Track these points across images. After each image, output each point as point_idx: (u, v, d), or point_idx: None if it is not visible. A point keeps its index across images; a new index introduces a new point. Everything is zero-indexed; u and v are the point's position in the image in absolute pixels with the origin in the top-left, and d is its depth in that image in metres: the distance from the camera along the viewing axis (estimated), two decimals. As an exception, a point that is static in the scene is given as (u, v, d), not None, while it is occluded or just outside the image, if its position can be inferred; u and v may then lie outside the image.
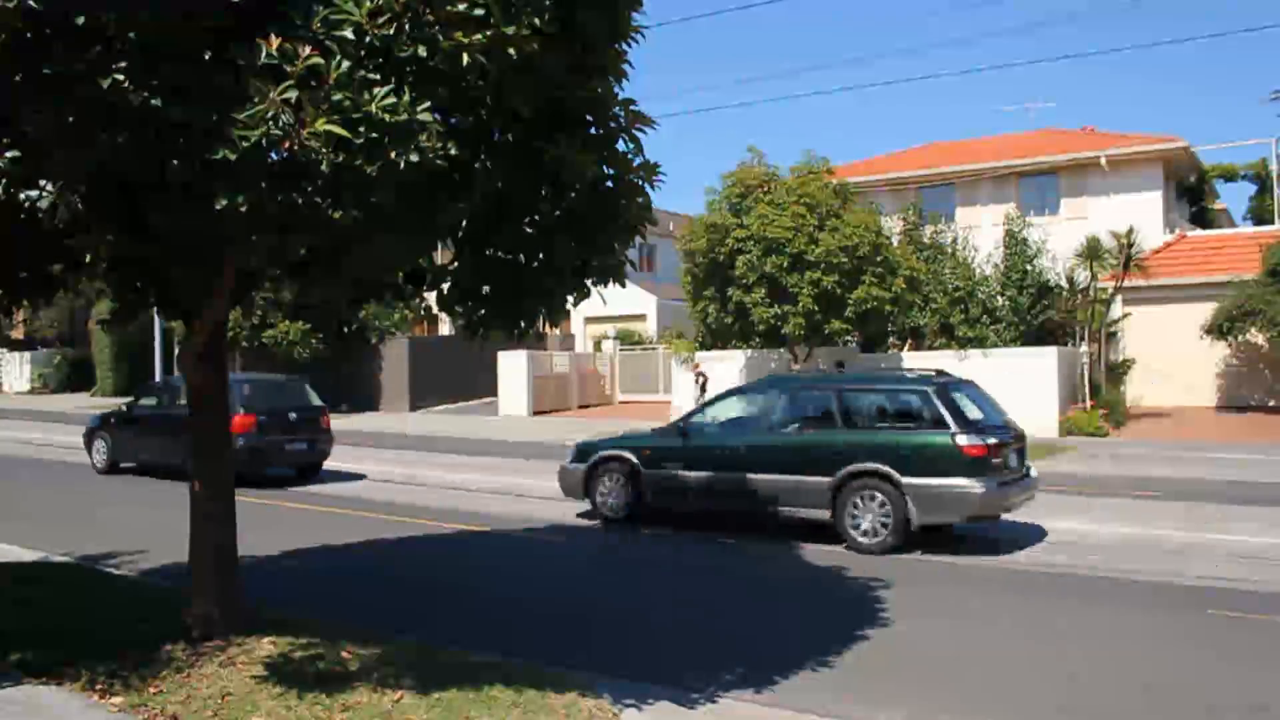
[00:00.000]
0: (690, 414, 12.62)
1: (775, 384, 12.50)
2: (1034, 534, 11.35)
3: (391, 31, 4.32)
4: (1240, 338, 24.37)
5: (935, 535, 10.84)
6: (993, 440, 10.41)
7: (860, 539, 10.44)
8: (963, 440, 10.24)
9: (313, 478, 16.51)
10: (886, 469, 10.35)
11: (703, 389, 27.73)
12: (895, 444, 10.52)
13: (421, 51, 4.37)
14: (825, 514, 10.68)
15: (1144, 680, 6.44)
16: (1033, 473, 11.43)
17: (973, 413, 10.84)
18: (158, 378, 36.58)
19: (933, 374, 11.55)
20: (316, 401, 17.17)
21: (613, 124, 5.78)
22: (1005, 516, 10.95)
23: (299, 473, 16.58)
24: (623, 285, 6.58)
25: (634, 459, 12.04)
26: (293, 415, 16.29)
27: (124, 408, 17.90)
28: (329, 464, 17.19)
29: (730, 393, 12.96)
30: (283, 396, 16.63)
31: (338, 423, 27.58)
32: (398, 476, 17.03)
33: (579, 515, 12.74)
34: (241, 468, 14.70)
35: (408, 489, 15.50)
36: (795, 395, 11.72)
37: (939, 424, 10.43)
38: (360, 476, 16.92)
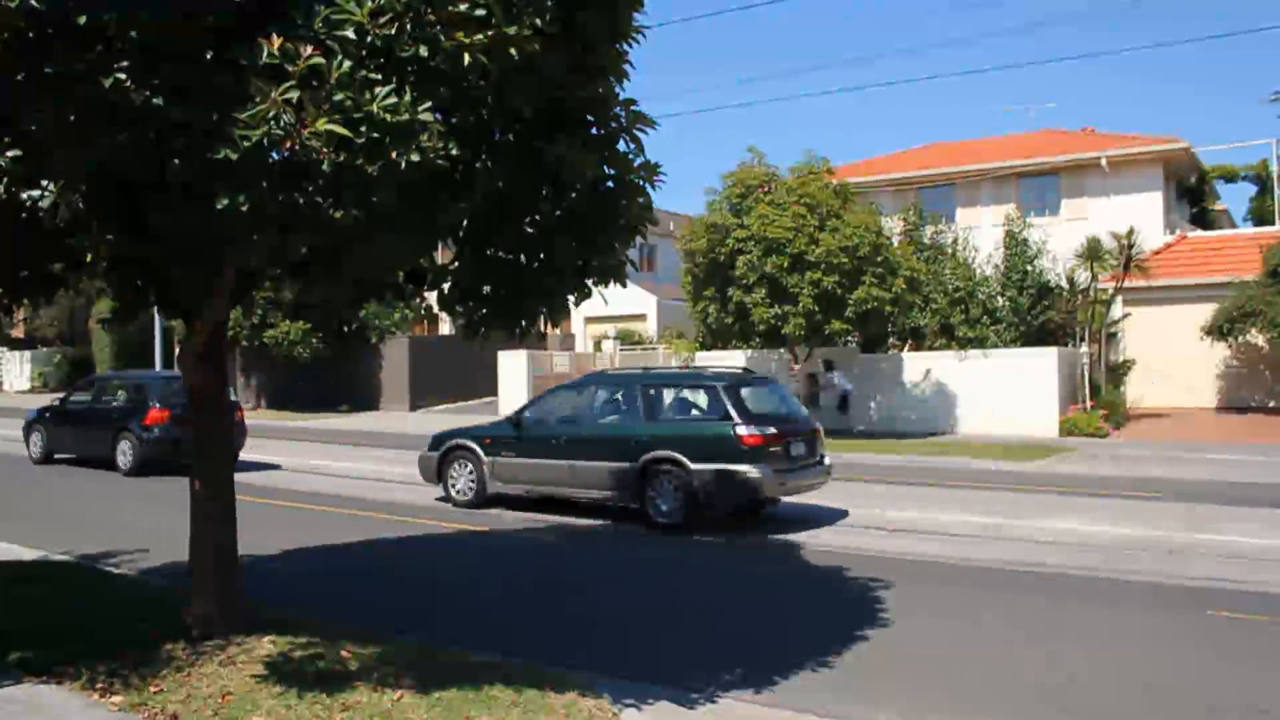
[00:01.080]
0: (524, 407, 13.85)
1: (594, 380, 13.93)
2: (830, 514, 12.65)
3: (393, 31, 4.33)
4: (1240, 339, 24.39)
5: (746, 517, 12.26)
6: (772, 431, 11.59)
7: (659, 519, 11.72)
8: (742, 430, 11.46)
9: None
10: (679, 456, 11.58)
11: None
12: (687, 434, 11.86)
13: (423, 51, 4.37)
14: (626, 497, 12.03)
15: (1144, 680, 6.44)
16: (825, 461, 12.64)
17: (761, 407, 12.05)
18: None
19: (726, 372, 12.81)
20: (232, 397, 17.69)
21: (614, 124, 5.78)
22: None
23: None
24: (623, 285, 6.58)
25: (478, 448, 13.28)
26: None
27: (58, 402, 18.99)
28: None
29: (558, 388, 14.30)
30: None
31: (337, 422, 27.61)
32: (395, 475, 17.03)
33: (436, 499, 13.68)
34: (156, 455, 16.55)
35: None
36: (610, 390, 13.02)
37: (724, 417, 11.66)
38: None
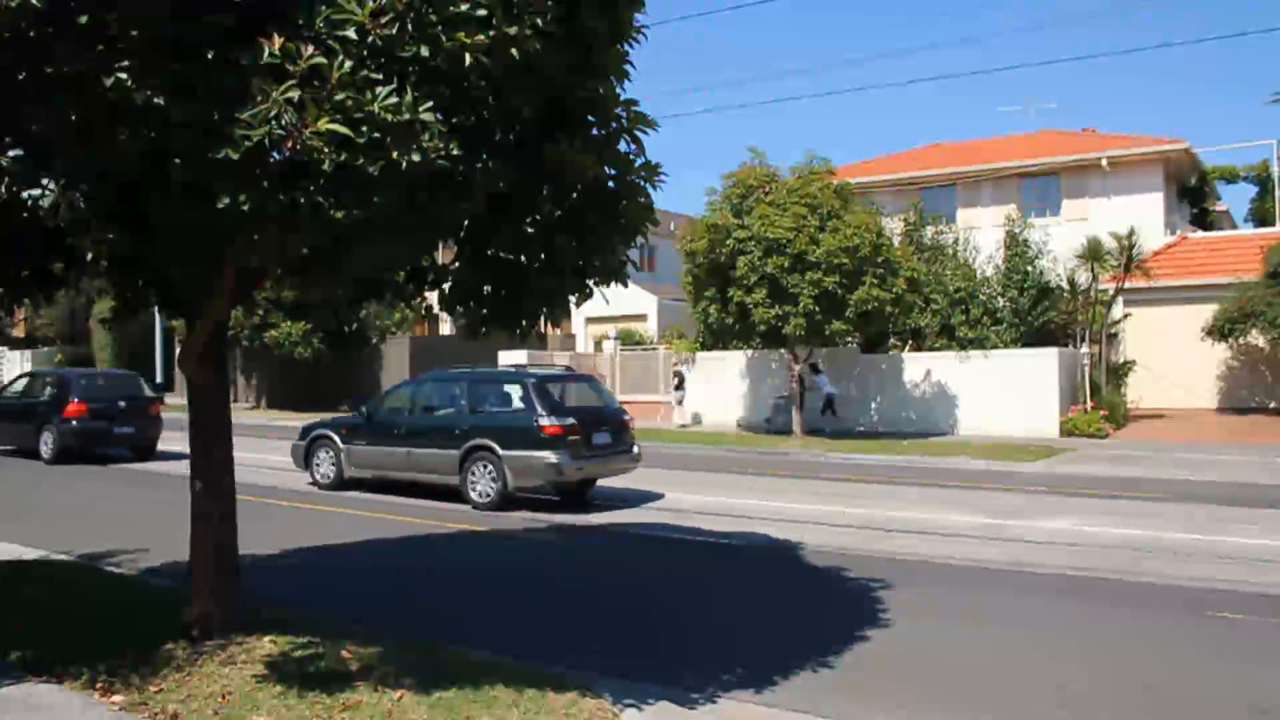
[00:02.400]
0: (374, 400, 15.51)
1: (430, 377, 15.44)
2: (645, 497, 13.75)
3: (394, 31, 4.32)
4: (1241, 339, 24.39)
5: (572, 499, 13.91)
6: (571, 422, 13.09)
7: (476, 499, 13.29)
8: (543, 421, 13.02)
9: (149, 457, 19.48)
10: (492, 444, 13.21)
11: (679, 386, 28.08)
12: (501, 425, 13.40)
13: (424, 51, 4.37)
14: (455, 479, 13.53)
15: (1143, 680, 6.44)
16: (634, 450, 14.22)
17: (567, 402, 13.63)
18: (158, 376, 36.72)
19: (541, 371, 14.61)
20: (148, 393, 20.48)
21: (614, 124, 5.77)
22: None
23: (134, 453, 19.64)
24: (624, 285, 6.58)
25: (336, 438, 14.90)
26: (122, 404, 19.40)
27: None
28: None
29: (402, 384, 16.12)
30: (116, 388, 19.88)
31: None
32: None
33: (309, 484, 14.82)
34: (73, 445, 18.98)
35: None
36: (442, 386, 14.59)
37: (530, 409, 13.20)
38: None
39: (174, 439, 20.28)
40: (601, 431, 13.65)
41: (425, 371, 33.64)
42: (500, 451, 13.14)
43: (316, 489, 14.87)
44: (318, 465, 15.09)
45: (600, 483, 14.47)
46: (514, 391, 13.65)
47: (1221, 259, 26.54)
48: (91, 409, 18.81)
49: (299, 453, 15.37)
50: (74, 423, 18.69)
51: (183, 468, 16.58)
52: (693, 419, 27.65)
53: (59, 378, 20.07)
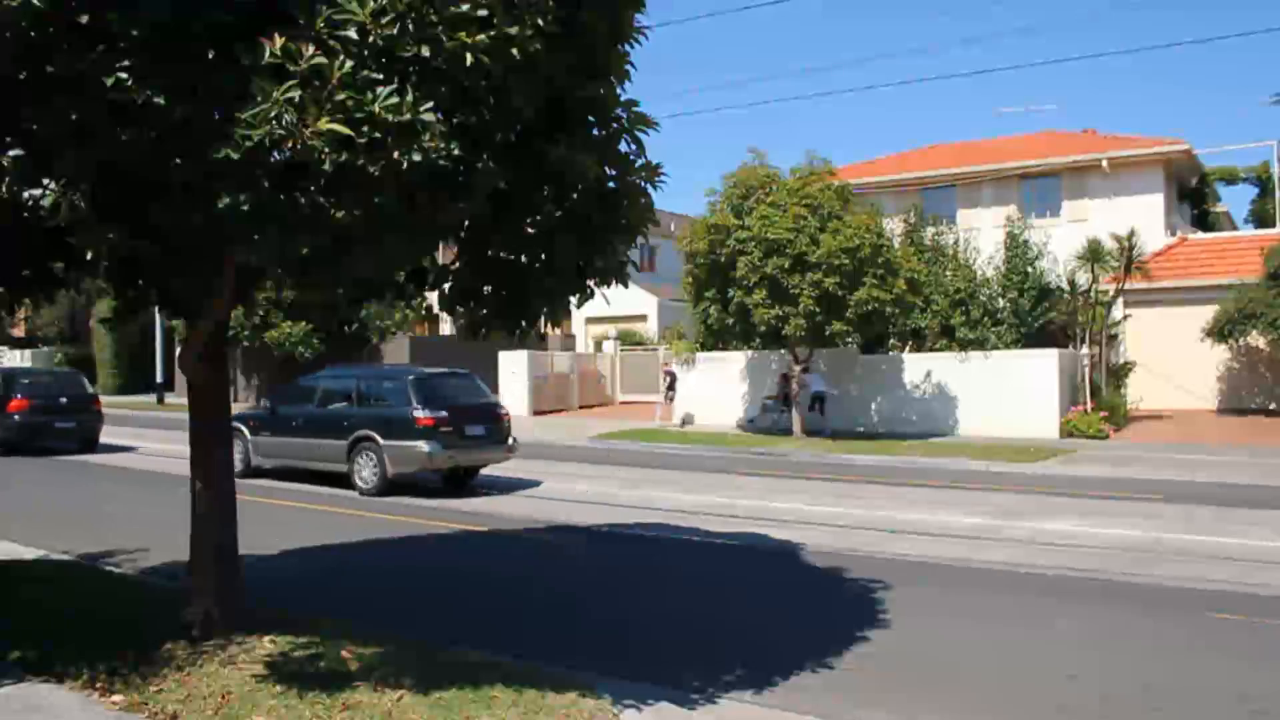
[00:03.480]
0: (278, 394, 16.93)
1: (325, 375, 16.80)
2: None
3: (395, 31, 4.32)
4: (1241, 340, 24.38)
5: (455, 486, 15.37)
6: (444, 415, 14.46)
7: (361, 484, 14.61)
8: (418, 414, 14.36)
9: (90, 450, 20.66)
10: (375, 434, 14.53)
11: (670, 387, 28.21)
12: (383, 417, 14.70)
13: (424, 51, 4.37)
14: (344, 467, 14.84)
15: (1143, 681, 6.44)
16: (510, 441, 15.50)
17: (444, 397, 14.91)
18: (159, 376, 36.73)
19: (422, 369, 16.04)
20: (89, 390, 22.01)
21: (615, 125, 5.78)
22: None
23: (79, 446, 20.68)
24: (624, 286, 6.57)
25: (245, 429, 16.11)
26: (63, 400, 20.84)
27: None
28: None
29: (302, 380, 17.17)
30: (57, 386, 21.34)
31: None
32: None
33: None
34: (15, 439, 20.10)
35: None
36: (335, 383, 15.98)
37: (408, 403, 14.52)
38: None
39: (118, 434, 23.04)
40: (475, 424, 15.01)
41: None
42: (381, 441, 14.47)
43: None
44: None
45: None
46: (395, 388, 15.07)
47: (1222, 260, 26.52)
48: (33, 405, 20.24)
49: None
50: (16, 418, 20.02)
51: (122, 459, 17.36)
52: (682, 420, 27.66)
53: (3, 376, 21.43)
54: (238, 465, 15.11)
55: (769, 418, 25.78)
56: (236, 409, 19.65)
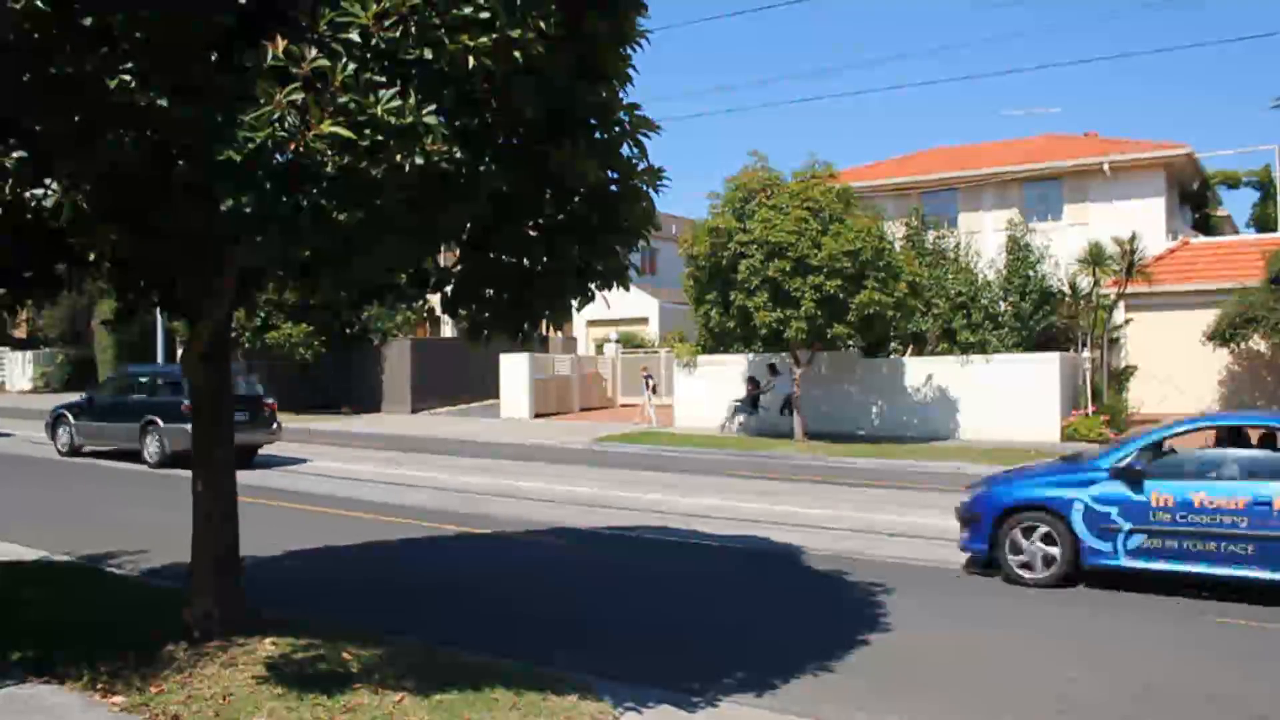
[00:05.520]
0: (95, 389, 21.04)
1: (126, 372, 20.97)
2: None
3: (397, 34, 4.33)
4: (1242, 344, 24.35)
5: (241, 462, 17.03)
6: None
7: (149, 458, 18.19)
8: (186, 401, 15.76)
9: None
10: (157, 419, 18.21)
11: (653, 390, 28.55)
12: (163, 404, 18.29)
13: (427, 54, 4.38)
14: (138, 445, 18.46)
15: (1144, 683, 6.44)
16: (274, 426, 19.10)
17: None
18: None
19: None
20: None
21: (617, 128, 5.78)
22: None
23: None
24: (626, 289, 6.58)
25: (70, 415, 20.02)
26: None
27: None
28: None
29: (114, 375, 21.84)
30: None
31: (339, 424, 27.69)
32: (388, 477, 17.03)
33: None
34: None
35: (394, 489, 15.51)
36: (133, 378, 19.90)
37: (180, 393, 17.11)
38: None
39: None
40: (240, 411, 17.21)
41: (424, 374, 33.88)
42: (162, 424, 18.14)
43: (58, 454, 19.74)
44: (59, 437, 20.27)
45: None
46: (172, 381, 18.41)
47: (1223, 264, 26.49)
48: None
49: (48, 428, 20.68)
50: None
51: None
52: (657, 421, 28.01)
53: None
54: (65, 447, 19.98)
55: (737, 420, 26.18)
56: (66, 399, 22.68)
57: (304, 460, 19.85)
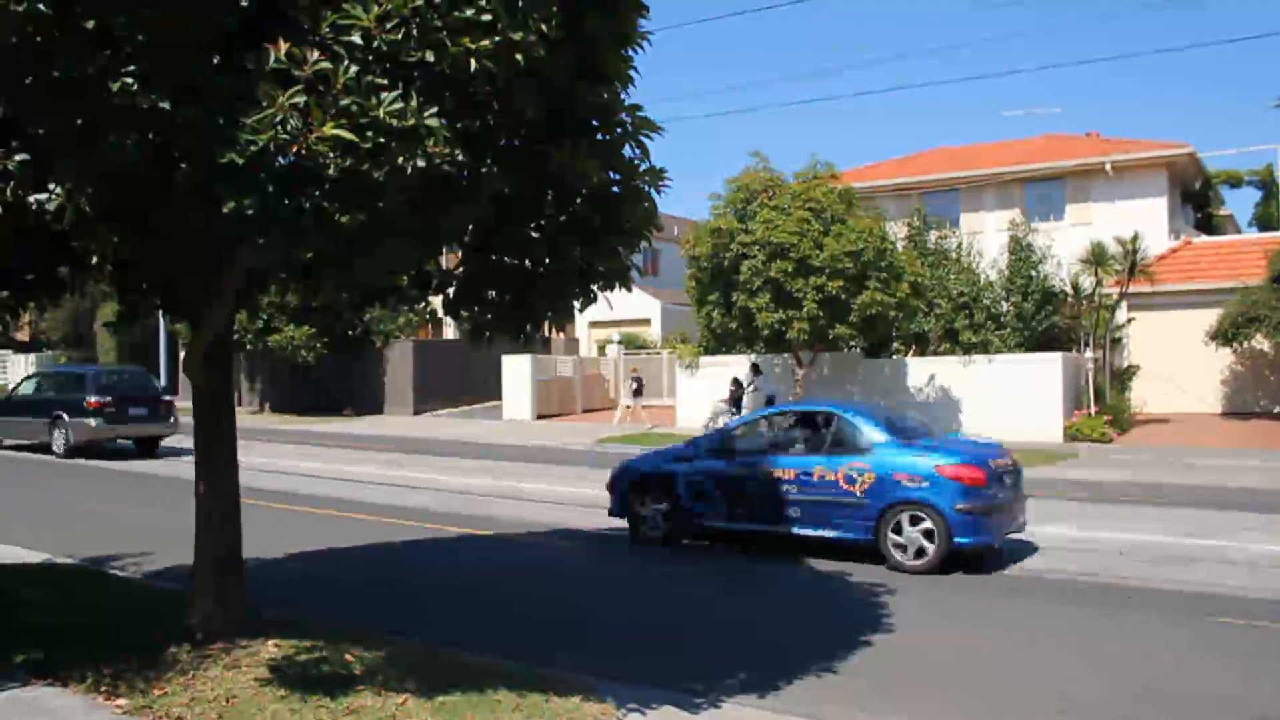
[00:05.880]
0: (10, 390, 24.03)
1: (40, 372, 23.88)
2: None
3: (399, 37, 4.33)
4: (1245, 344, 24.33)
5: (145, 451, 21.10)
6: (107, 399, 20.37)
7: (58, 450, 20.33)
8: (90, 398, 20.23)
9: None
10: (63, 413, 20.25)
11: (637, 392, 29.25)
12: (68, 400, 20.44)
13: (429, 57, 4.38)
14: (47, 438, 20.57)
15: (1145, 683, 6.43)
16: (169, 420, 21.19)
17: (113, 386, 20.78)
18: (162, 379, 36.79)
19: (99, 367, 23.77)
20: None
21: (619, 130, 5.78)
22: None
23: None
24: (628, 290, 6.59)
25: None
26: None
27: None
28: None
29: (28, 377, 24.10)
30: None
31: (341, 425, 27.68)
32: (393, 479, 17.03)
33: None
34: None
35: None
36: (44, 378, 22.65)
37: (84, 390, 20.35)
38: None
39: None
40: (138, 407, 20.95)
41: (426, 375, 33.94)
42: (67, 419, 20.27)
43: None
44: None
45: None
46: (78, 380, 20.94)
47: (1226, 264, 26.47)
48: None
49: None
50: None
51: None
52: (631, 420, 28.20)
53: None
54: None
55: (720, 420, 26.33)
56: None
57: (304, 462, 19.83)
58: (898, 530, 9.80)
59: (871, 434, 10.32)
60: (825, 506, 10.18)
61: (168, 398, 21.87)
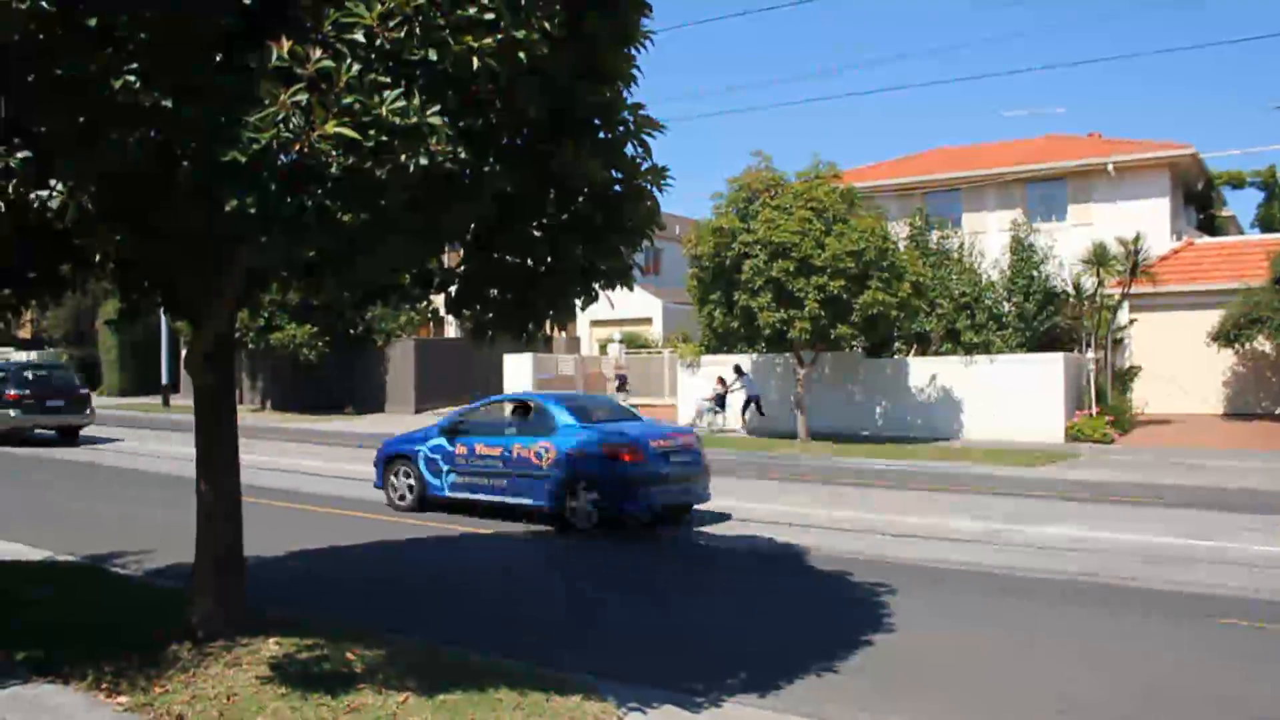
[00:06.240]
0: None
1: None
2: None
3: (402, 35, 4.33)
4: (1247, 345, 24.33)
5: (67, 439, 23.20)
6: (25, 392, 22.46)
7: None
8: (8, 391, 22.30)
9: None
10: None
11: (621, 387, 30.24)
12: None
13: (432, 55, 4.38)
14: None
15: (1146, 684, 6.43)
16: (85, 412, 23.44)
17: (32, 382, 22.85)
18: (164, 377, 36.82)
19: (26, 361, 25.69)
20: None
21: (621, 129, 5.78)
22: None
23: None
24: (630, 289, 6.59)
25: None
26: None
27: None
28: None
29: None
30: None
31: (342, 424, 27.61)
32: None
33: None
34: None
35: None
36: None
37: (4, 384, 22.30)
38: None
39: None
40: (56, 399, 22.97)
41: (427, 374, 33.95)
42: None
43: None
44: None
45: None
46: (4, 375, 22.65)
47: (1228, 265, 26.45)
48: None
49: None
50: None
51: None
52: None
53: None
54: None
55: (706, 418, 26.50)
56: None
57: (306, 460, 19.85)
58: (575, 497, 11.69)
59: (560, 417, 12.22)
60: (524, 479, 12.10)
61: (84, 391, 24.13)
